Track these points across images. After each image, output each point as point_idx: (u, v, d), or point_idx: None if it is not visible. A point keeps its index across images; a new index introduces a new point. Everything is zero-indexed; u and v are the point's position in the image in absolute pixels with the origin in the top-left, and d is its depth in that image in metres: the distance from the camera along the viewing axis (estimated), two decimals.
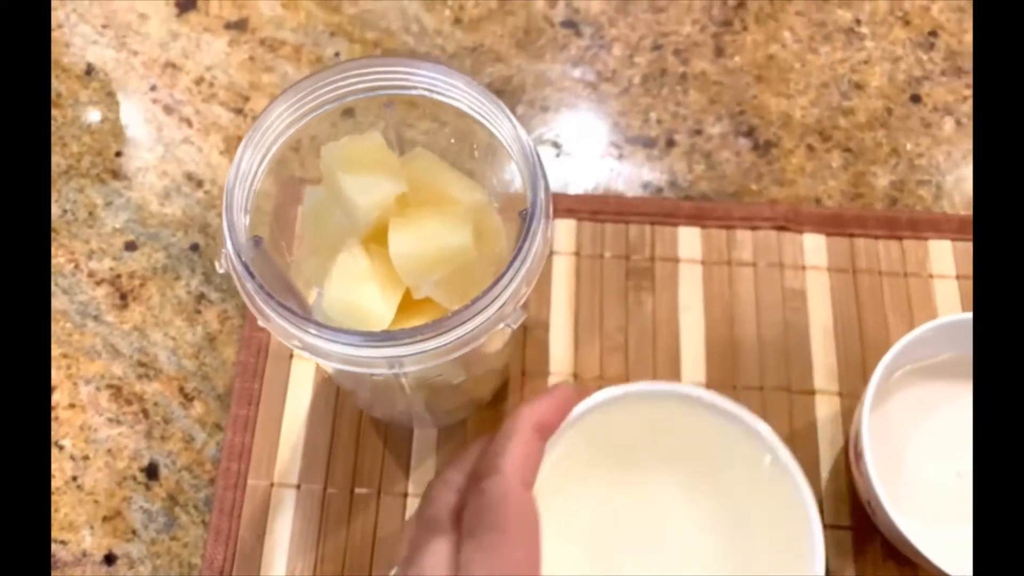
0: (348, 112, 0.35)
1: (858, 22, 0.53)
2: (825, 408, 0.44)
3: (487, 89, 0.30)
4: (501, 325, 0.28)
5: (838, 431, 0.43)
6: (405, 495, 0.43)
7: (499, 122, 0.31)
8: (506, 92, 0.52)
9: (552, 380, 0.45)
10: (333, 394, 0.44)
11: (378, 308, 0.32)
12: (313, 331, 0.27)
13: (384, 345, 0.26)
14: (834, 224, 0.48)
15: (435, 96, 0.32)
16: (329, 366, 0.28)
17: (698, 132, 0.51)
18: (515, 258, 0.27)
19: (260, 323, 0.28)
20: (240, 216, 0.28)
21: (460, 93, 0.31)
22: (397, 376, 0.30)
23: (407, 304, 0.33)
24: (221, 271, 0.29)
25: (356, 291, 0.32)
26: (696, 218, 0.48)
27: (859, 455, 0.38)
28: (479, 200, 0.34)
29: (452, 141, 0.37)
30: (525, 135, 0.29)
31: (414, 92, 0.32)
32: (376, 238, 0.33)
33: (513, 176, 0.36)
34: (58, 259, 0.48)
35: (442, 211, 0.33)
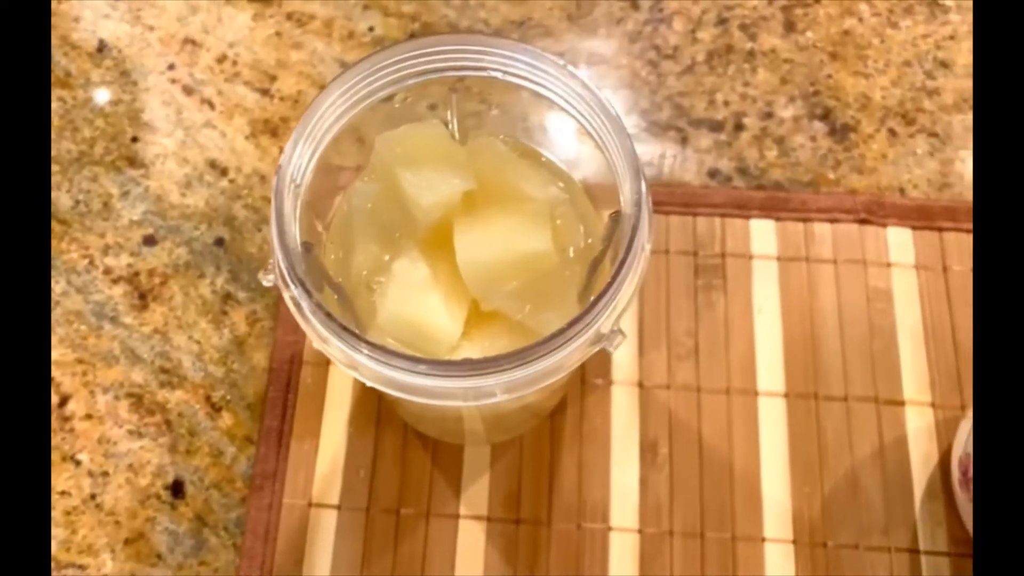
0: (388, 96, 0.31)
1: None
2: (916, 420, 0.40)
3: (574, 69, 0.26)
4: (598, 348, 0.24)
5: (933, 447, 0.39)
6: (456, 516, 0.39)
7: (588, 109, 0.26)
8: None
9: (615, 389, 0.41)
10: (375, 404, 0.41)
11: (443, 323, 0.28)
12: (381, 358, 0.23)
13: (470, 375, 0.22)
14: (921, 216, 0.44)
15: (510, 79, 0.27)
16: (396, 394, 0.24)
17: (769, 115, 0.46)
18: (617, 272, 0.23)
19: (316, 346, 0.24)
20: (291, 226, 0.24)
21: (542, 75, 0.27)
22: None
23: (473, 317, 0.29)
24: (268, 284, 0.25)
25: (418, 304, 0.28)
26: (770, 209, 0.44)
27: (970, 480, 0.35)
28: (556, 195, 0.29)
29: (503, 123, 0.33)
30: (623, 124, 0.25)
31: (485, 74, 0.28)
32: (437, 241, 0.29)
33: (579, 160, 0.32)
34: (71, 254, 0.44)
35: (515, 210, 0.29)
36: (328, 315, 0.23)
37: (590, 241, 0.29)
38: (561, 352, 0.23)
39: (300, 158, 0.26)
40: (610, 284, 0.23)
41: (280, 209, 0.24)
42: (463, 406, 0.29)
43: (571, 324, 0.22)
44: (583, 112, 0.27)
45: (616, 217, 0.26)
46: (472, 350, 0.28)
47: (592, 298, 0.23)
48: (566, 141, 0.32)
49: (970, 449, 0.35)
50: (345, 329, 0.23)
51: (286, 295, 0.24)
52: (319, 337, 0.24)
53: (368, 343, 0.23)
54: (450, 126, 0.30)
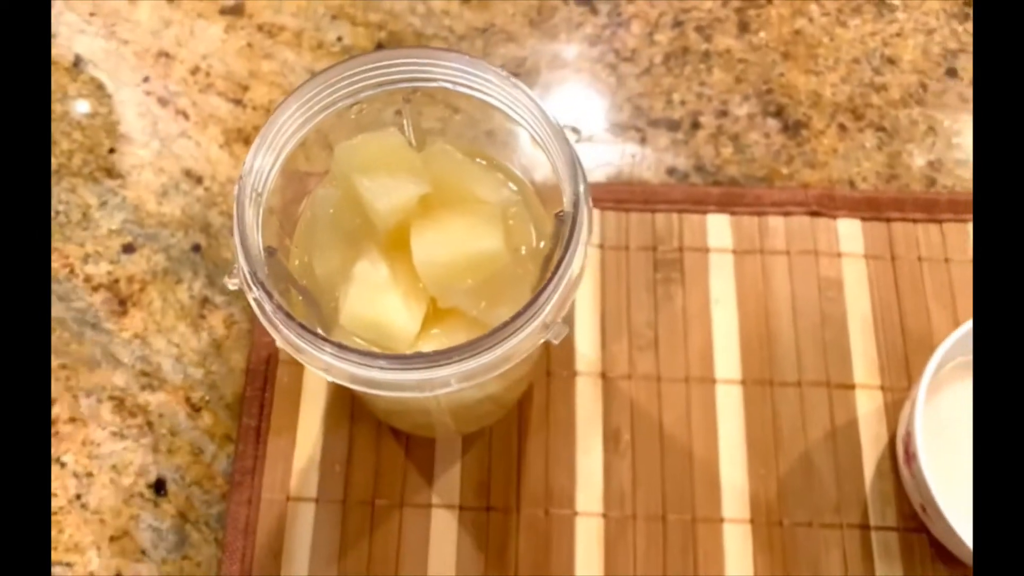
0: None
1: None
2: (867, 403, 0.42)
3: (518, 80, 0.28)
4: (544, 340, 0.26)
5: (882, 428, 0.41)
6: (429, 506, 0.40)
7: (531, 117, 0.28)
8: (520, 75, 0.49)
9: (579, 380, 0.42)
10: (349, 401, 0.42)
11: (402, 321, 0.29)
12: (339, 354, 0.24)
13: (424, 367, 0.24)
14: (870, 208, 0.45)
15: (459, 89, 0.29)
16: (358, 388, 0.26)
17: (724, 113, 0.48)
18: (557, 267, 0.25)
19: (280, 345, 0.26)
20: (254, 232, 0.25)
21: (488, 86, 0.28)
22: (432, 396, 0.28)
23: (431, 314, 0.31)
24: (233, 288, 0.26)
25: (377, 304, 0.29)
26: (725, 205, 0.46)
27: (911, 456, 0.36)
28: (508, 198, 0.31)
29: (465, 129, 0.35)
30: (562, 131, 0.27)
31: (435, 85, 0.29)
32: (396, 244, 0.31)
33: (533, 163, 0.34)
34: (52, 264, 0.45)
35: (469, 212, 0.30)
36: (288, 315, 0.25)
37: (542, 244, 0.30)
38: (507, 343, 0.25)
39: (261, 167, 0.27)
40: (551, 279, 0.24)
41: (242, 217, 0.25)
42: (423, 397, 0.30)
43: (515, 317, 0.24)
44: (527, 119, 0.28)
45: (561, 216, 0.28)
46: (431, 345, 0.30)
47: None
48: (521, 146, 0.33)
49: (911, 428, 0.36)
50: (305, 328, 0.24)
51: (250, 297, 0.26)
52: (282, 338, 0.26)
53: (327, 340, 0.24)
54: (406, 134, 0.32)
